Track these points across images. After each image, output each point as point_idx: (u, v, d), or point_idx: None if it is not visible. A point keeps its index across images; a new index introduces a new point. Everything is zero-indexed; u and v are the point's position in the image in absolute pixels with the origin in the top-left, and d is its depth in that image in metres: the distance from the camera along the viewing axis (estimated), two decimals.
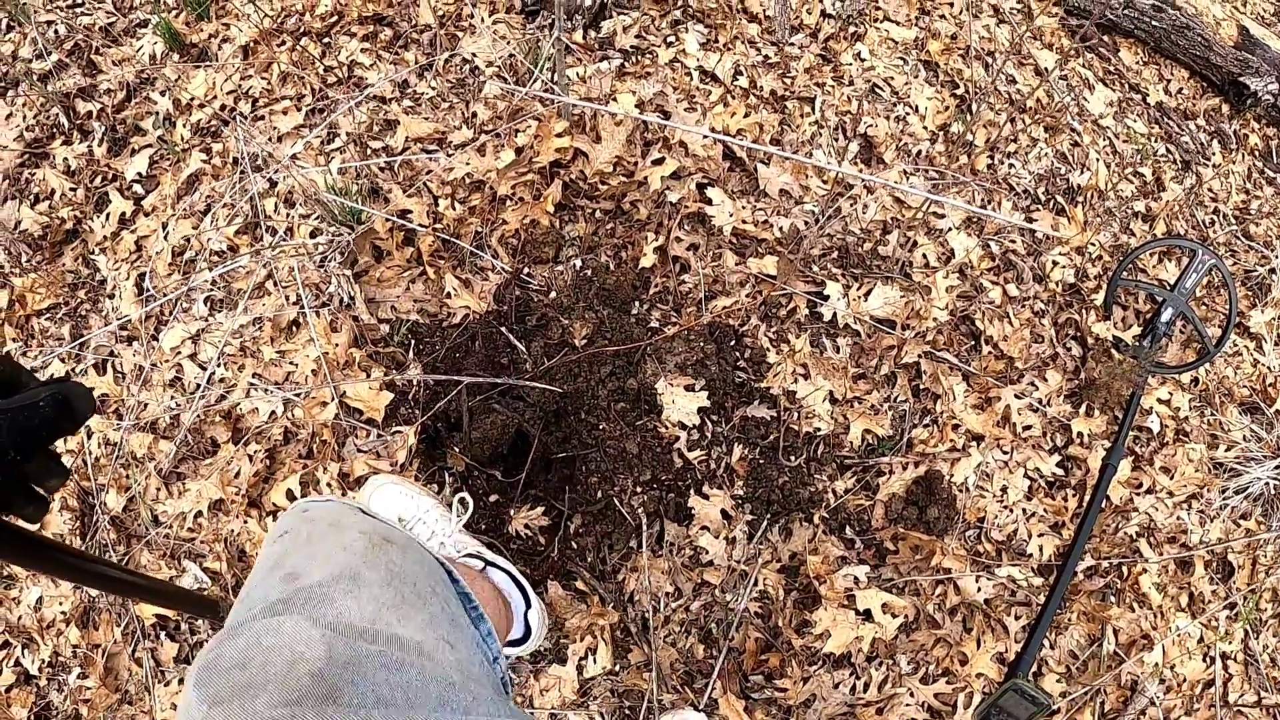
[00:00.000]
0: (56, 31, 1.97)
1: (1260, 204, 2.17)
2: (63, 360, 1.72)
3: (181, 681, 1.54)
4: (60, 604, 1.63)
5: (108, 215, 1.79)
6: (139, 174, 1.81)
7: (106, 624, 1.60)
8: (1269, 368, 1.96)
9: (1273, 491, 1.82)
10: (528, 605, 1.29)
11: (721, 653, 1.50)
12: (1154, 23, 2.18)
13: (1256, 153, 2.25)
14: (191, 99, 1.84)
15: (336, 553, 0.68)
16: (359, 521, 0.75)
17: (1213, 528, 1.77)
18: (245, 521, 1.56)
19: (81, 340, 1.72)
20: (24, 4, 1.99)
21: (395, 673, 0.59)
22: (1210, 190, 2.12)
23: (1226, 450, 1.85)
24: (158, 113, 1.86)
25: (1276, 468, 1.81)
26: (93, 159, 1.85)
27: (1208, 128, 2.23)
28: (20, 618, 1.64)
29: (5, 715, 1.56)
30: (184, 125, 1.83)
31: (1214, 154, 2.19)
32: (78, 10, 2.01)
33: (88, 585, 0.74)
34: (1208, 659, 1.69)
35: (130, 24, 1.97)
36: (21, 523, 0.60)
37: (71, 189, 1.83)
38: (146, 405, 1.65)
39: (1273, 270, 2.06)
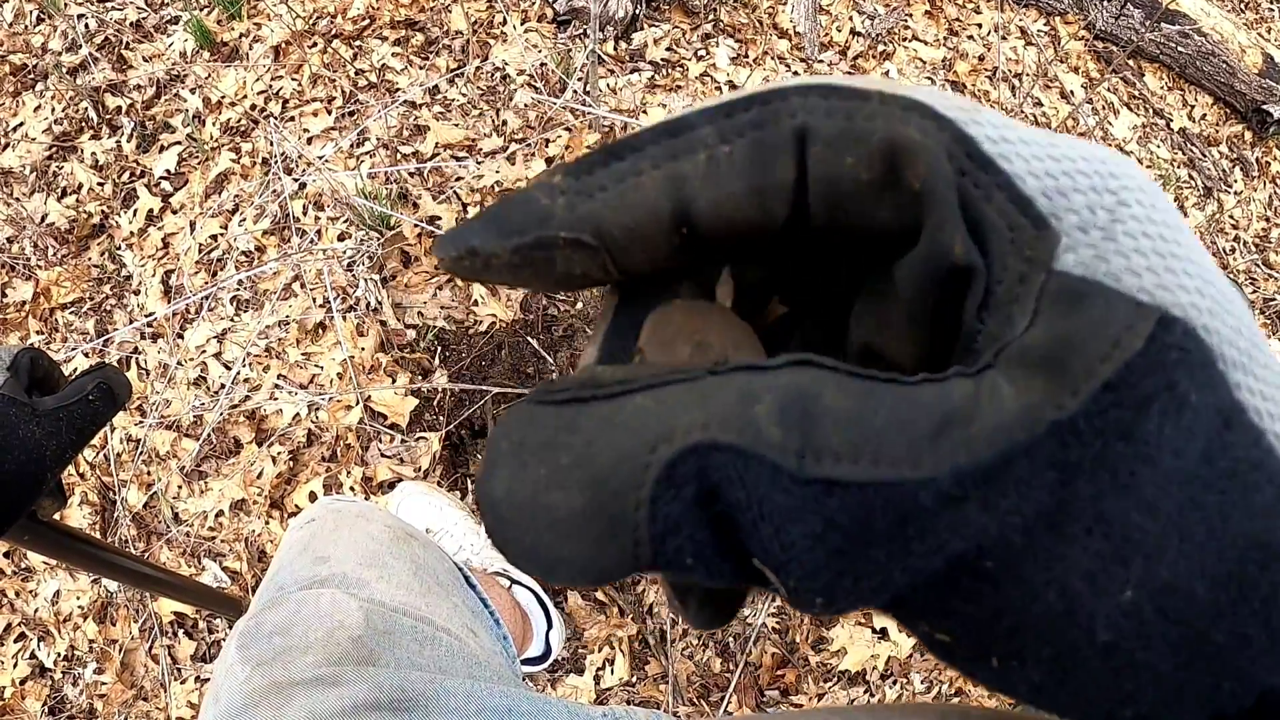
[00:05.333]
0: (87, 25, 1.97)
1: None
2: (86, 355, 1.73)
3: (199, 680, 1.54)
4: (78, 598, 1.63)
5: (135, 211, 1.80)
6: (167, 171, 1.82)
7: (124, 620, 1.61)
8: None
9: None
10: (549, 625, 1.29)
11: (738, 667, 1.50)
12: (1179, 49, 2.19)
13: (1278, 180, 2.26)
14: (221, 98, 1.84)
15: (364, 541, 0.71)
16: (384, 516, 0.77)
17: None
18: (267, 522, 1.57)
19: (106, 337, 1.73)
20: None
21: (428, 645, 0.61)
22: (1231, 218, 2.12)
23: None
24: (187, 110, 1.86)
25: None
26: (121, 154, 1.85)
27: (1230, 155, 2.23)
28: (37, 610, 1.64)
29: (19, 707, 1.57)
30: (213, 124, 1.84)
31: (1236, 181, 2.20)
32: (108, 4, 2.02)
33: (111, 578, 0.74)
34: None
35: (161, 20, 1.97)
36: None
37: (99, 184, 1.84)
38: (170, 403, 1.66)
39: None
